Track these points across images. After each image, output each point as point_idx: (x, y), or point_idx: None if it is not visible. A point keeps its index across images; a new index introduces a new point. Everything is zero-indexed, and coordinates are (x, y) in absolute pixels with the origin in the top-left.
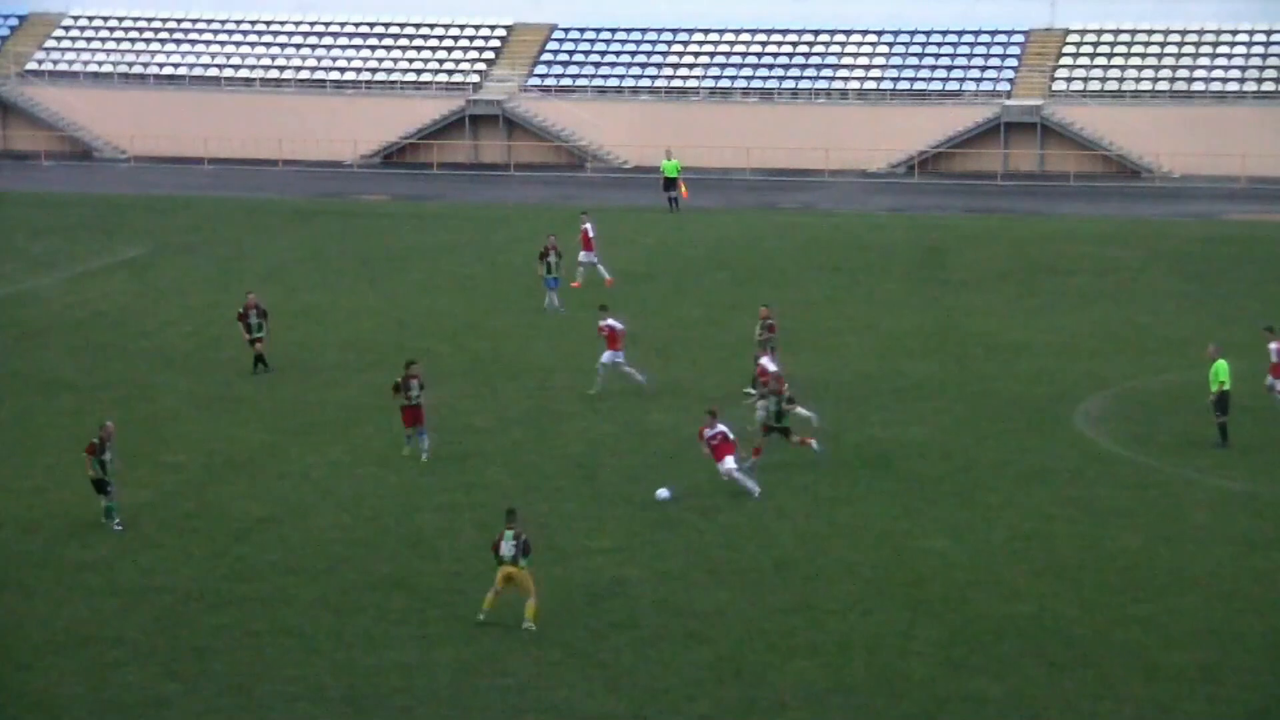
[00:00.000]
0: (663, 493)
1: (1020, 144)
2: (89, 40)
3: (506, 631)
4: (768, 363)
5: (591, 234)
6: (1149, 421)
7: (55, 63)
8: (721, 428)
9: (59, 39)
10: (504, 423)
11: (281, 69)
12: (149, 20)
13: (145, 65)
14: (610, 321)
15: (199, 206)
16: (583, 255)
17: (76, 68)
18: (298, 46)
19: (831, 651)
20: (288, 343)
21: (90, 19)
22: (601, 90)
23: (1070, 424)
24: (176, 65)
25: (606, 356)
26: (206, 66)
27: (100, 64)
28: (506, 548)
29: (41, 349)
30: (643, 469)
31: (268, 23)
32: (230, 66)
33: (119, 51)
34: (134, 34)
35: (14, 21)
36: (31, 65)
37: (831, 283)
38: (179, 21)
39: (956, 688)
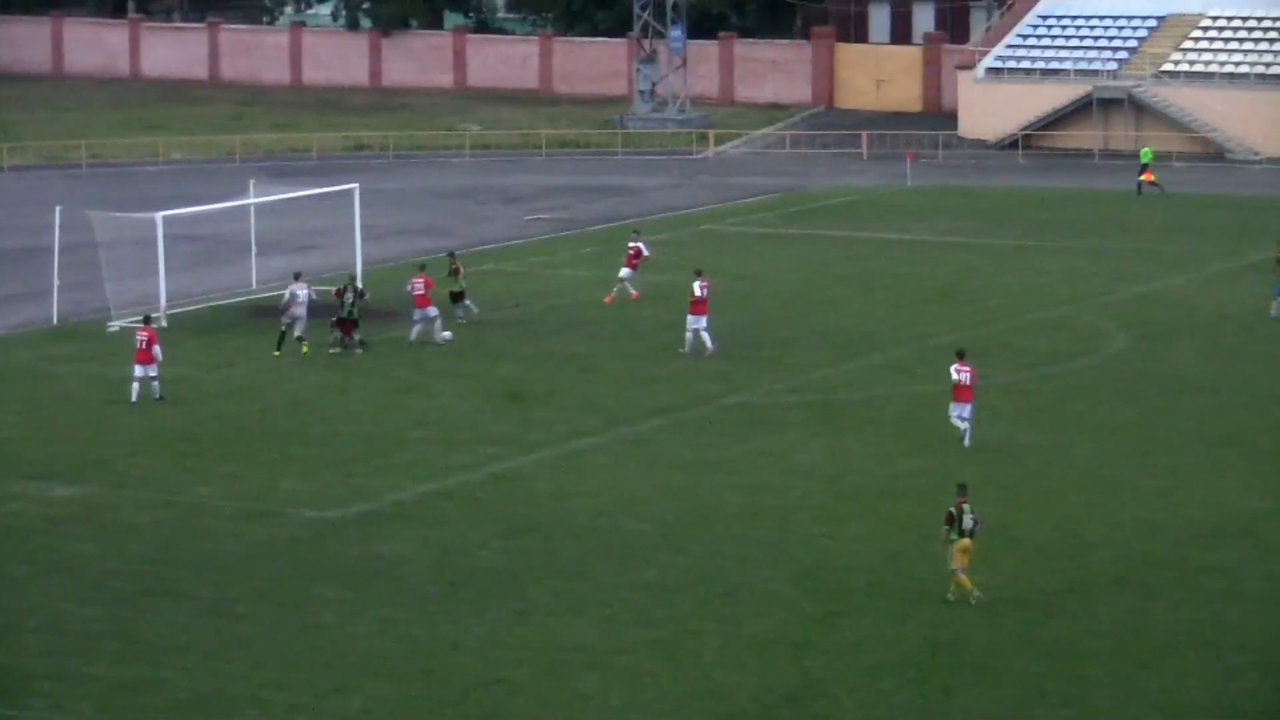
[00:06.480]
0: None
1: None
2: (1226, 41)
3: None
4: None
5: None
6: None
7: (1191, 64)
8: None
9: (1195, 40)
10: None
11: None
12: None
13: None
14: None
15: None
16: (623, 272)
17: (1213, 69)
18: None
19: None
20: None
21: (1229, 19)
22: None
23: None
24: None
25: None
26: None
27: (1236, 65)
28: (967, 520)
29: (1168, 349)
30: None
31: None
32: None
33: (1255, 52)
34: (1272, 34)
35: (1152, 23)
36: (1167, 66)
37: None
38: None
39: None
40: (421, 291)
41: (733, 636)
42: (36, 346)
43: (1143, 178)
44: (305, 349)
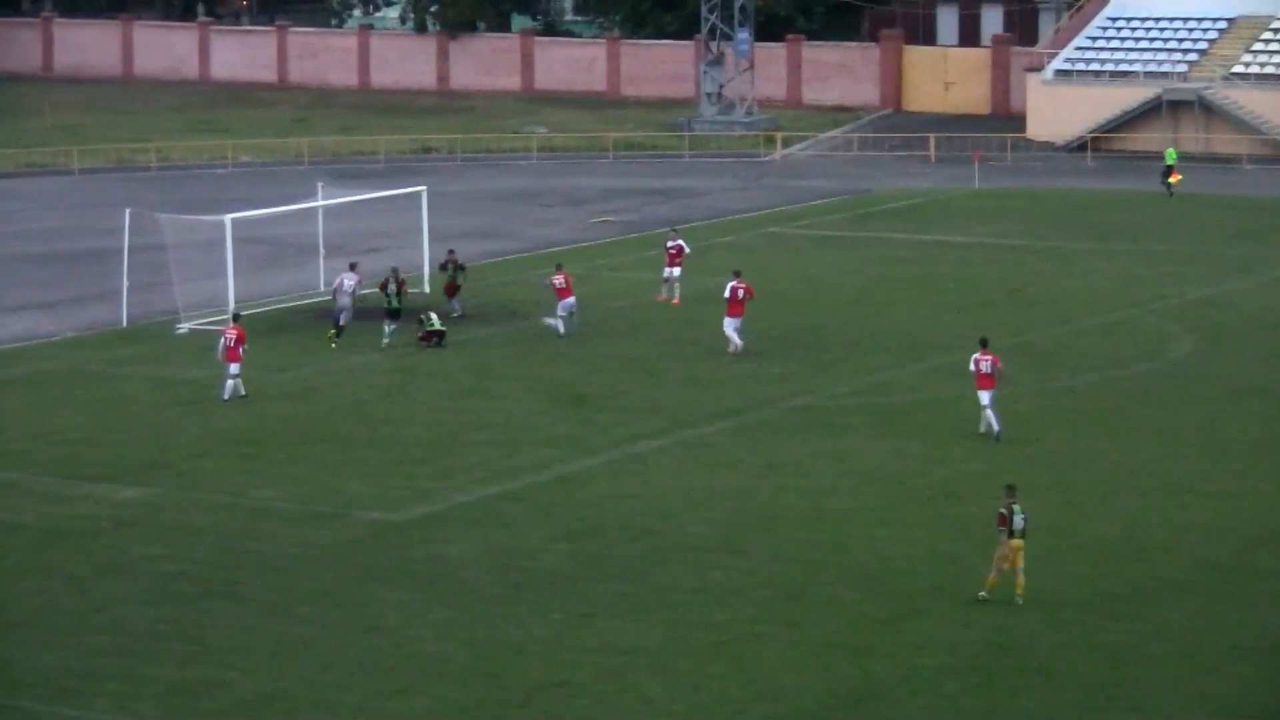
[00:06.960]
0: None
1: None
2: None
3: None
4: None
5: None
6: None
7: (1262, 66)
8: None
9: (1266, 42)
10: None
11: None
12: None
13: None
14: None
15: None
16: (667, 271)
17: None
18: None
19: None
20: None
21: None
22: None
23: None
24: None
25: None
26: None
27: None
28: (1018, 520)
29: (1233, 352)
30: None
31: None
32: None
33: None
34: None
35: (1222, 24)
36: (1238, 68)
37: None
38: None
39: None
40: (563, 285)
41: (795, 640)
42: (105, 348)
43: (1171, 179)
44: (333, 343)
